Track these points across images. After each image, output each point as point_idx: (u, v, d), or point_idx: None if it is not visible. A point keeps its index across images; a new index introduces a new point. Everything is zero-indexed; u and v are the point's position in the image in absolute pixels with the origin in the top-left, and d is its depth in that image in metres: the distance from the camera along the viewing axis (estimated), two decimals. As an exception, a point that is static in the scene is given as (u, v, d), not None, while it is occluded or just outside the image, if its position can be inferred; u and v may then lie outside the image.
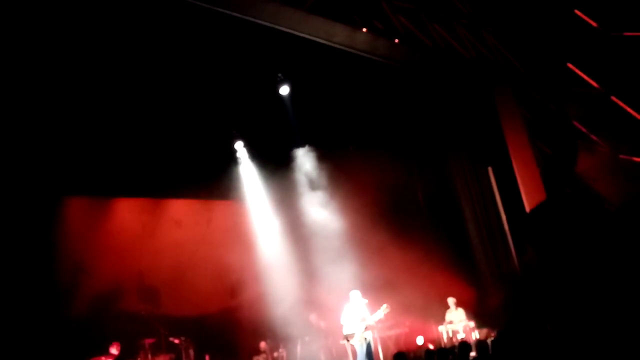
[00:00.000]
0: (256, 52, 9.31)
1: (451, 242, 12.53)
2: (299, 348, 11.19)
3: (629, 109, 10.63)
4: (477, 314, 11.21)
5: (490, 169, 12.09)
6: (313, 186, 12.22)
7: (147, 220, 11.75)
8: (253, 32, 8.70)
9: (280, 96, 10.55)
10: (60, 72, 8.43)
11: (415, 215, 13.42)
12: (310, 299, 11.68)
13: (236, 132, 11.75)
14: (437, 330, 11.21)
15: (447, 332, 10.84)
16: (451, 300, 11.07)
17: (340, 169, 12.18)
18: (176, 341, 10.31)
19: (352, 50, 9.64)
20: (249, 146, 12.16)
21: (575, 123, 11.49)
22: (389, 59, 10.16)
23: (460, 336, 10.53)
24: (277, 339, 11.30)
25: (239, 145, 12.05)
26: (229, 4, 8.16)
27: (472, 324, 10.69)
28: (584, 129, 11.46)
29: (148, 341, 10.01)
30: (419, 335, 11.71)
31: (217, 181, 12.12)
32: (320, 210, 12.01)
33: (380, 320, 9.45)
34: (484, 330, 10.74)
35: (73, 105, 9.11)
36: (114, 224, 11.22)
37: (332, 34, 9.27)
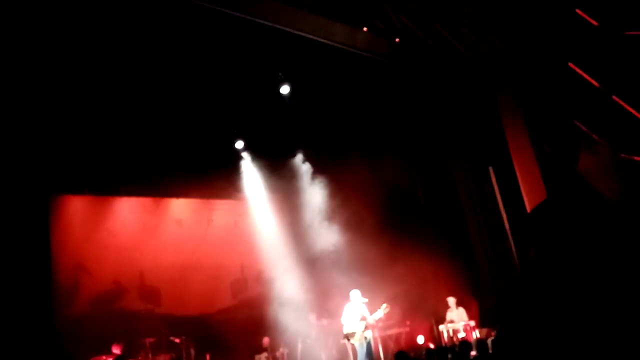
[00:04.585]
0: (256, 51, 9.27)
1: (452, 242, 12.52)
2: (299, 347, 11.19)
3: (630, 109, 10.60)
4: (477, 313, 11.20)
5: (491, 169, 12.07)
6: (313, 186, 12.22)
7: (148, 220, 11.77)
8: (253, 31, 8.67)
9: (281, 95, 10.53)
10: (63, 70, 8.41)
11: (415, 215, 13.41)
12: (311, 298, 11.68)
13: (237, 131, 11.72)
14: (438, 329, 11.21)
15: (448, 332, 10.84)
16: (452, 300, 11.07)
17: (340, 168, 12.17)
18: (177, 340, 10.32)
19: (353, 50, 9.60)
20: (250, 145, 12.15)
21: (576, 122, 11.46)
22: (389, 58, 10.13)
23: (461, 335, 10.53)
24: (278, 338, 11.30)
25: (240, 145, 12.03)
26: (229, 3, 8.14)
27: (472, 323, 10.69)
28: (585, 128, 11.42)
29: (149, 340, 10.06)
30: (420, 334, 11.72)
31: (218, 180, 12.14)
32: (321, 209, 12.01)
33: (380, 320, 9.45)
34: (485, 330, 10.75)
35: (75, 103, 9.11)
36: (114, 223, 11.24)
37: (333, 33, 9.22)
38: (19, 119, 8.67)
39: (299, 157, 12.42)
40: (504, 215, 11.75)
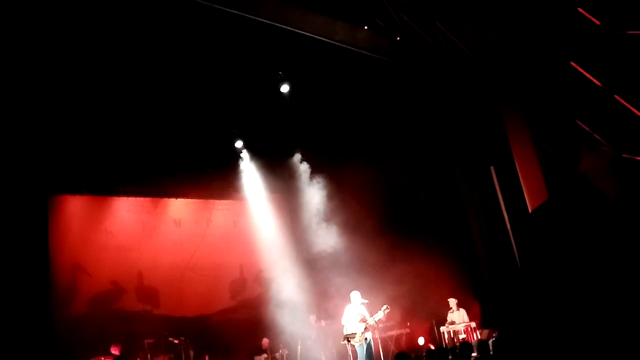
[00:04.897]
0: (256, 50, 9.22)
1: (453, 242, 12.44)
2: (299, 348, 11.13)
3: (632, 108, 10.52)
4: (478, 314, 11.13)
5: (492, 169, 12.00)
6: (313, 186, 12.15)
7: (146, 220, 11.73)
8: (253, 30, 8.62)
9: (281, 94, 10.47)
10: (61, 69, 8.41)
11: (416, 215, 13.33)
12: (310, 299, 11.61)
13: (236, 130, 11.65)
14: (439, 330, 11.15)
15: (449, 333, 10.78)
16: (452, 301, 11.01)
17: (340, 168, 12.11)
18: (175, 341, 10.29)
19: (353, 48, 9.54)
20: (249, 145, 12.08)
21: (578, 122, 11.39)
22: (390, 57, 10.06)
23: (462, 337, 10.47)
24: (277, 339, 11.23)
25: (240, 144, 11.96)
26: (230, 2, 8.07)
27: (473, 324, 10.62)
28: (587, 128, 11.35)
29: (147, 341, 10.04)
30: (420, 335, 11.65)
31: (216, 180, 12.11)
32: (321, 210, 11.94)
33: (380, 321, 9.39)
34: (486, 331, 10.67)
35: (72, 103, 9.10)
36: (113, 223, 11.21)
37: (333, 32, 9.16)
38: (17, 118, 8.64)
39: (298, 157, 12.34)
40: (506, 216, 11.67)
